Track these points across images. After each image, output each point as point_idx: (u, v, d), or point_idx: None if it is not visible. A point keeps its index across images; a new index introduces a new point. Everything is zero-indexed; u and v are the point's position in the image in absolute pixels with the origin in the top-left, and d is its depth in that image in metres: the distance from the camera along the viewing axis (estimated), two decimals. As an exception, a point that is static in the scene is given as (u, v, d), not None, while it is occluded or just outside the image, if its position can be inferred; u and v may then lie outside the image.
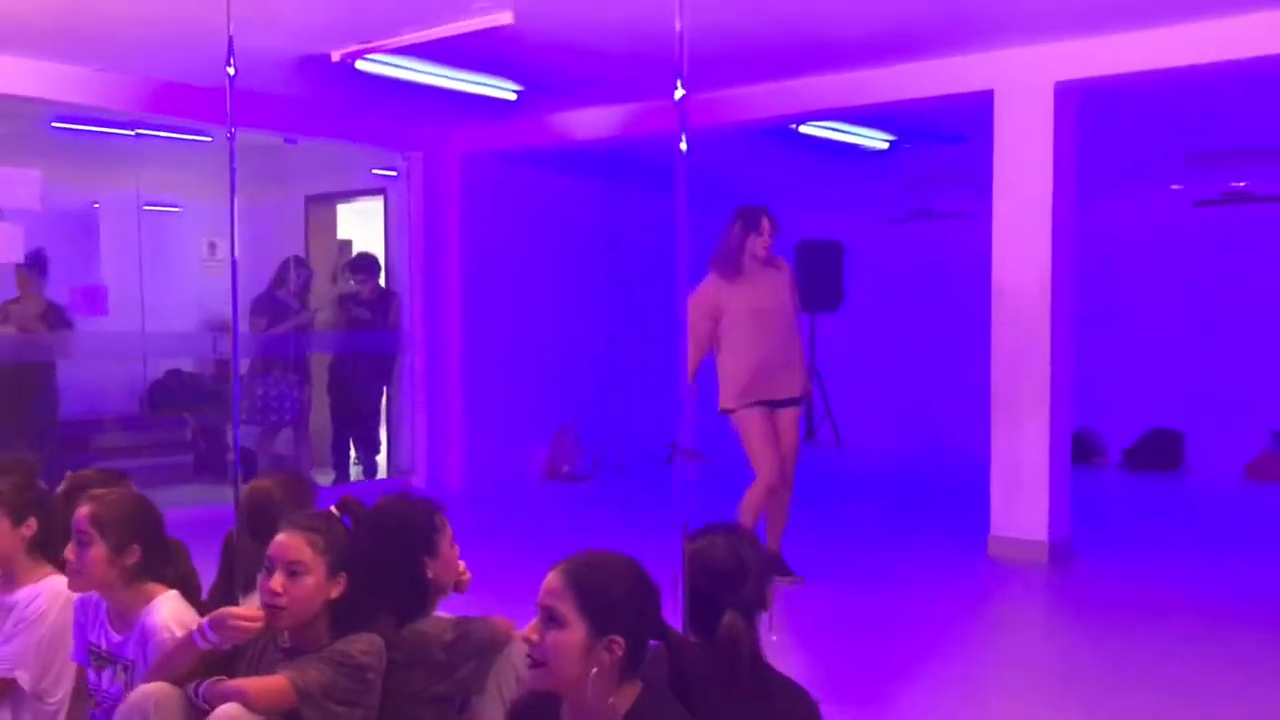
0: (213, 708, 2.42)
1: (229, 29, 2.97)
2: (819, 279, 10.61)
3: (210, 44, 5.97)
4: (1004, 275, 6.03)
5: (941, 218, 10.30)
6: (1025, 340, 5.93)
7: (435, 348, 8.70)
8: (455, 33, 5.41)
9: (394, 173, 9.01)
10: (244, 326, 7.62)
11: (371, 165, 9.22)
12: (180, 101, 6.88)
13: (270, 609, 2.49)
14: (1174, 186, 9.14)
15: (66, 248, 8.23)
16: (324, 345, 8.45)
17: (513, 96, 7.07)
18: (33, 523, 3.26)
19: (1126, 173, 8.99)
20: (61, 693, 3.22)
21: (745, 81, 6.88)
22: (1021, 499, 5.93)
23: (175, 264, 9.04)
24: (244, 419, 7.66)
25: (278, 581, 2.49)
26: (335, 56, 6.25)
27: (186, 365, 9.17)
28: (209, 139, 8.19)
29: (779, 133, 8.06)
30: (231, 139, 3.03)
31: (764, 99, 6.90)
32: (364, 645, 2.50)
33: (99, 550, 2.76)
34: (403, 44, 5.79)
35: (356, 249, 9.42)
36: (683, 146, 2.53)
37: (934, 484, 8.79)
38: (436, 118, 8.15)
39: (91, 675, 2.89)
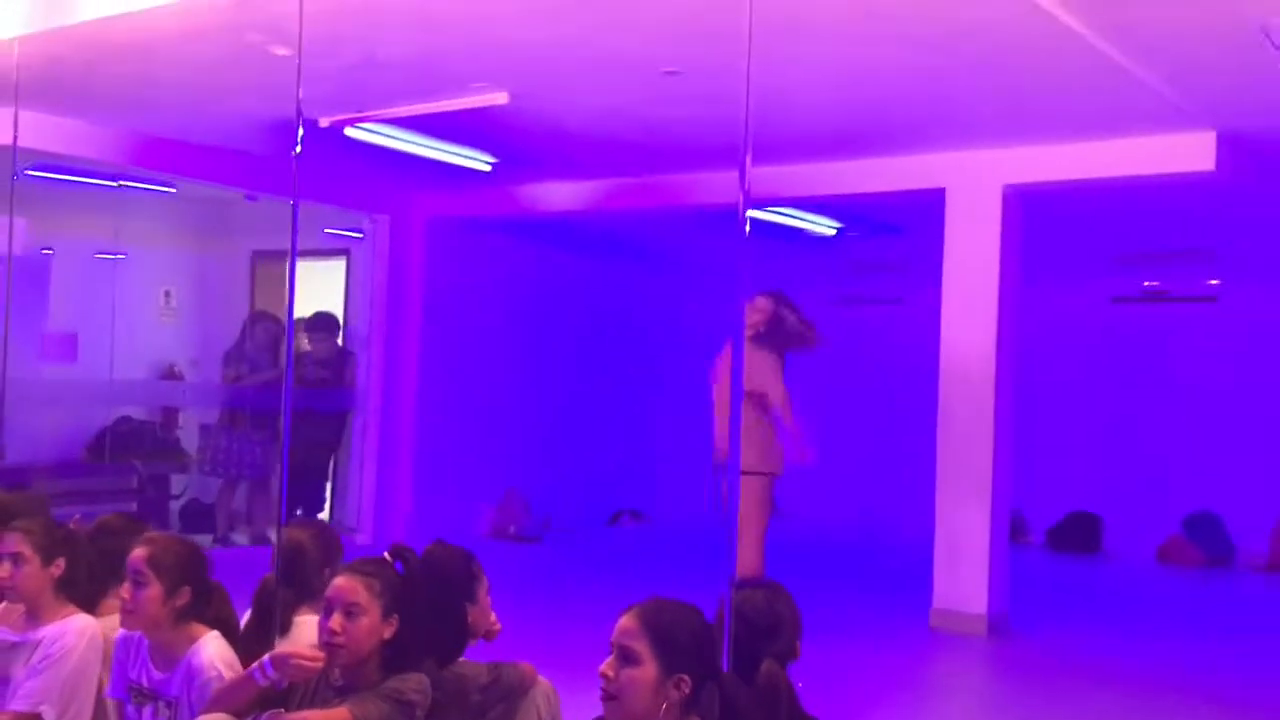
0: (271, 739, 2.59)
1: (299, 109, 3.20)
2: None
3: (201, 104, 6.26)
4: (951, 363, 6.42)
5: (877, 303, 10.78)
6: (971, 426, 6.31)
7: (390, 407, 8.83)
8: (452, 108, 5.68)
9: (359, 234, 9.19)
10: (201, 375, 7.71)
11: (331, 225, 9.38)
12: (164, 156, 7.05)
13: (328, 647, 2.65)
14: (1146, 283, 9.74)
15: (18, 294, 8.23)
16: (279, 402, 8.53)
17: (487, 168, 7.35)
18: (61, 563, 3.39)
19: (1052, 269, 9.55)
20: (80, 729, 3.33)
21: (713, 167, 7.25)
22: (963, 574, 6.27)
23: (129, 312, 9.08)
24: (205, 470, 7.71)
25: (336, 621, 2.64)
26: (324, 123, 6.47)
27: (137, 413, 9.16)
28: (174, 190, 8.33)
29: (731, 215, 8.44)
30: (295, 209, 3.25)
31: (728, 184, 7.26)
32: (415, 684, 2.68)
33: (154, 590, 2.91)
34: (395, 115, 6.04)
35: (311, 307, 9.52)
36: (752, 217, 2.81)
37: (866, 556, 9.11)
38: (404, 182, 8.38)
39: (130, 711, 3.01)
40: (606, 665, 2.22)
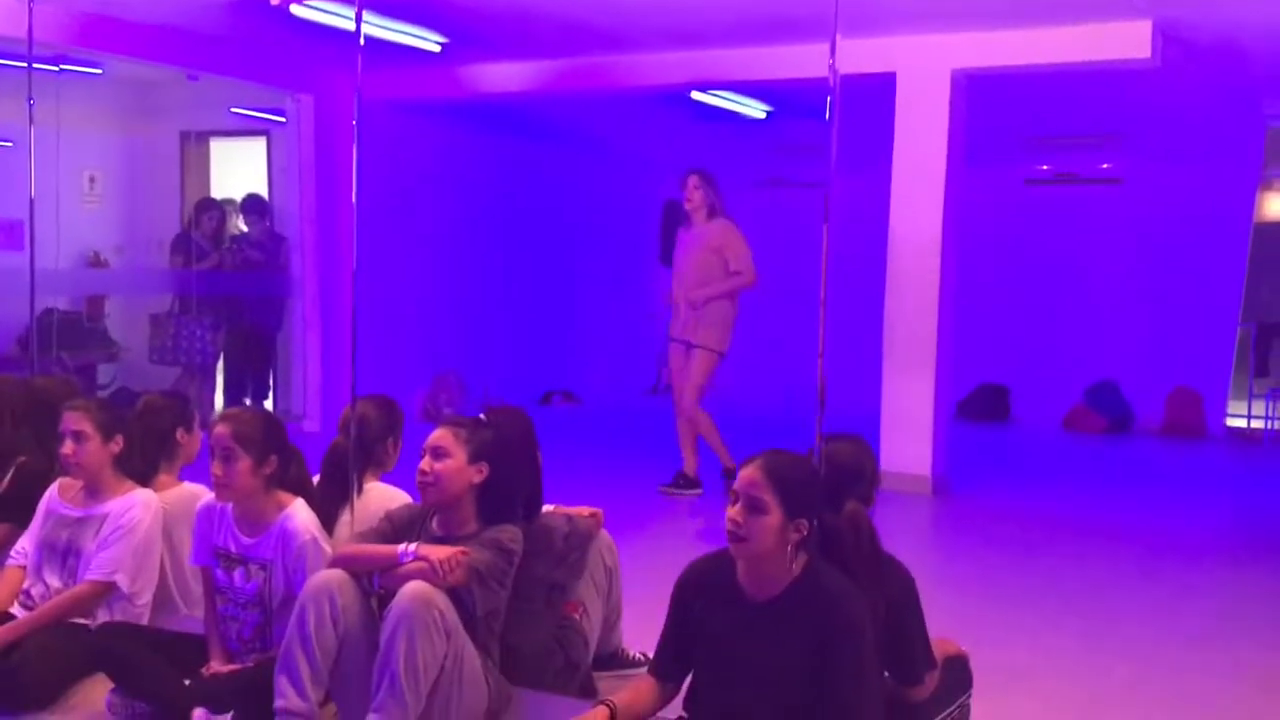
0: (386, 592, 2.79)
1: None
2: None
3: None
4: (900, 242, 6.75)
5: (799, 186, 11.06)
6: (918, 300, 6.68)
7: (328, 292, 8.80)
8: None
9: (282, 119, 9.00)
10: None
11: (251, 104, 9.17)
12: (101, 34, 6.82)
13: (421, 486, 2.93)
14: (1043, 167, 10.16)
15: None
16: (217, 287, 8.43)
17: (437, 49, 7.30)
18: (120, 439, 3.48)
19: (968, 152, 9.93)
20: (149, 595, 3.48)
21: (659, 48, 7.33)
22: (908, 439, 6.69)
23: (50, 198, 8.78)
24: (154, 359, 7.64)
25: (425, 463, 2.93)
26: (275, 0, 6.34)
27: (61, 304, 8.94)
28: (99, 71, 8.05)
29: (672, 97, 8.57)
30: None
31: (678, 66, 7.38)
32: (511, 534, 2.91)
33: (244, 463, 3.04)
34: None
35: (239, 190, 9.35)
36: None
37: (803, 429, 9.55)
38: (335, 60, 8.17)
39: (220, 575, 3.16)
40: (735, 512, 2.46)
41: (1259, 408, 9.67)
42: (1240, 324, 9.84)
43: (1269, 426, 9.59)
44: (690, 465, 6.55)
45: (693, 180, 6.47)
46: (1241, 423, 9.82)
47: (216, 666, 3.07)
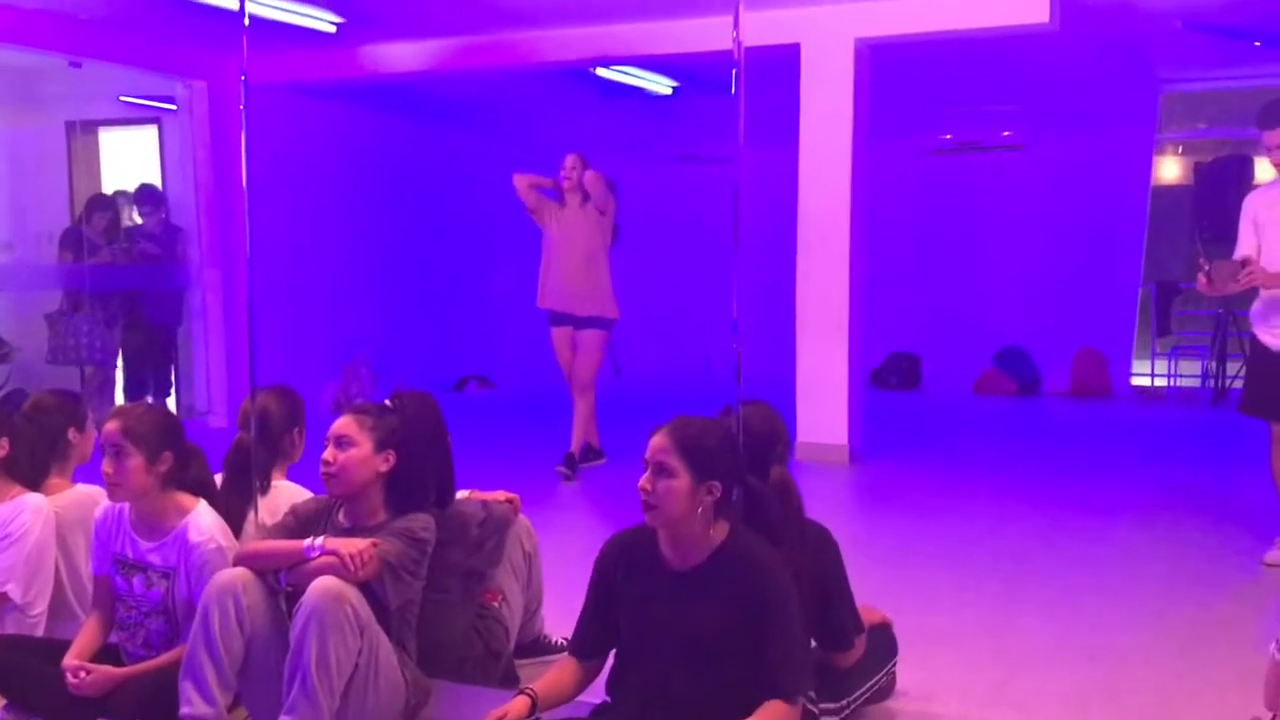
0: (294, 589, 2.68)
1: None
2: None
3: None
4: (809, 213, 6.74)
5: (707, 162, 11.03)
6: (829, 272, 6.68)
7: (228, 284, 8.53)
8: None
9: (173, 106, 8.70)
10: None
11: (141, 91, 8.86)
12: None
13: (325, 477, 2.83)
14: (945, 136, 10.23)
15: None
16: (112, 282, 8.12)
17: (332, 29, 7.09)
18: (4, 443, 3.30)
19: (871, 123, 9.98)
20: (43, 605, 3.31)
21: (561, 23, 7.22)
22: (824, 409, 6.71)
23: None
24: (50, 359, 7.33)
25: (329, 453, 2.83)
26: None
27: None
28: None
29: (574, 74, 8.45)
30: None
31: (581, 41, 7.28)
32: (423, 523, 2.81)
33: (135, 461, 2.87)
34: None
35: (132, 181, 9.02)
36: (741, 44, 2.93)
37: (711, 402, 9.54)
38: (221, 44, 7.89)
39: (120, 582, 3.00)
40: (644, 480, 2.41)
41: (1161, 366, 9.93)
42: (1142, 285, 10.07)
43: (1171, 384, 9.86)
44: (593, 436, 6.66)
45: (570, 160, 6.43)
46: (1145, 381, 10.07)
47: (69, 661, 2.90)
